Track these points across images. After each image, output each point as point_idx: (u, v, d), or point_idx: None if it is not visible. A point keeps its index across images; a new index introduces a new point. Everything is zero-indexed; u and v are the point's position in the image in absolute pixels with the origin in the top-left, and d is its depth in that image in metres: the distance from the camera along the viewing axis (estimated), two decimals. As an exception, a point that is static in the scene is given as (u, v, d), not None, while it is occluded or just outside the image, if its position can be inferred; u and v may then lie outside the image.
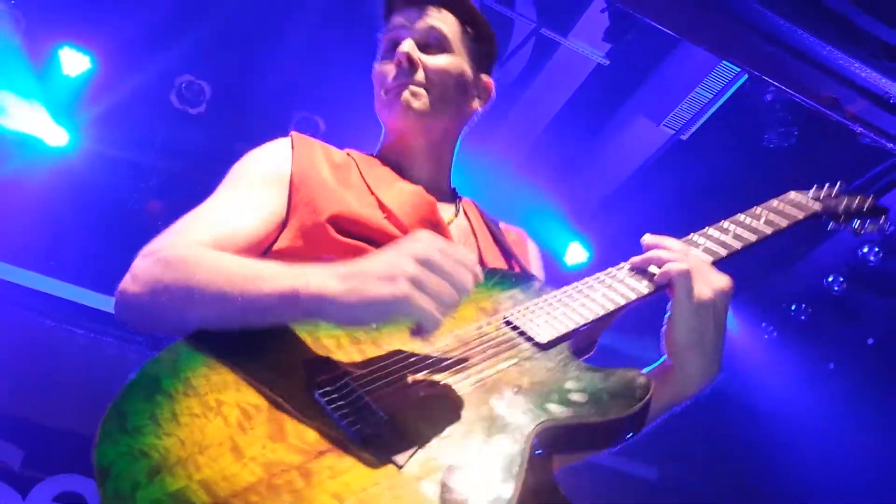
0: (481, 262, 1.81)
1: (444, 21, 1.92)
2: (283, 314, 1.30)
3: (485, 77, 2.01)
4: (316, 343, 1.33)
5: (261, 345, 1.30)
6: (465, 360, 1.35)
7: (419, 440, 1.19)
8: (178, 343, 1.30)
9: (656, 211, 5.64)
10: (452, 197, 1.99)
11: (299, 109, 5.86)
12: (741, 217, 1.75)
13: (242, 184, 1.70)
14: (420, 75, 1.86)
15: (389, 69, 1.89)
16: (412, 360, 1.33)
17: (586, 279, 1.60)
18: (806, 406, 6.56)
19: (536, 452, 1.22)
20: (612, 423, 1.27)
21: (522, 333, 1.44)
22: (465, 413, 1.24)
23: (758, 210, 1.78)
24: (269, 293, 1.28)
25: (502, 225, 2.04)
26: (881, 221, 1.94)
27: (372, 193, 1.75)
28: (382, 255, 1.27)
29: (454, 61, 1.90)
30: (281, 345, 1.32)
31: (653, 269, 1.57)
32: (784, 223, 1.76)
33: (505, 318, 1.48)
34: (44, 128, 5.60)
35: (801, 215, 1.80)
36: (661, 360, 1.60)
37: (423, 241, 1.28)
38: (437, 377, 1.30)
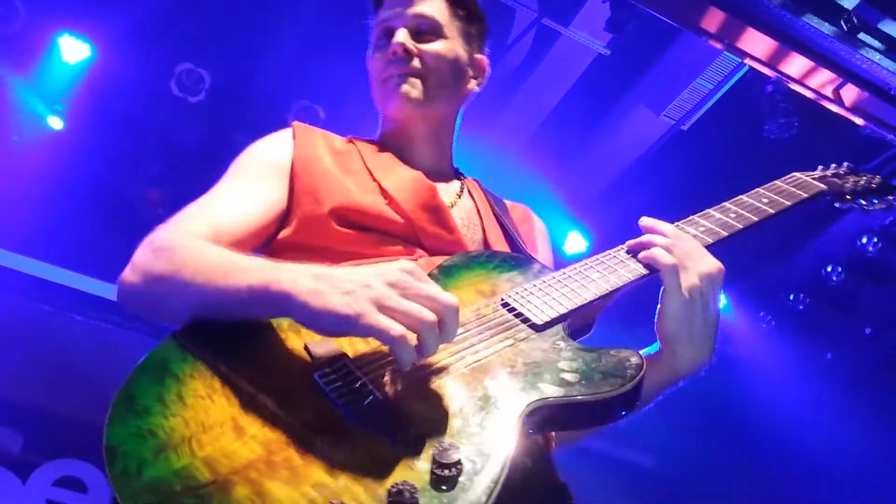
0: (485, 242, 1.83)
1: (434, 6, 1.92)
2: (256, 308, 1.31)
3: (479, 56, 2.02)
4: None
5: (264, 329, 1.34)
6: (461, 341, 1.37)
7: (413, 420, 1.21)
8: (185, 328, 1.34)
9: (656, 201, 5.64)
10: (456, 177, 2.00)
11: (299, 98, 5.85)
12: (744, 198, 1.75)
13: (243, 176, 1.72)
14: (416, 63, 1.87)
15: (384, 59, 1.89)
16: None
17: (584, 261, 1.61)
18: (802, 395, 6.58)
19: (528, 432, 1.24)
20: (603, 401, 1.28)
21: (519, 315, 1.45)
22: (459, 394, 1.26)
23: (761, 191, 1.78)
24: (242, 287, 1.30)
25: (507, 203, 2.05)
26: (892, 199, 1.93)
27: (374, 179, 1.76)
28: (358, 270, 1.29)
29: (448, 46, 1.91)
30: (282, 329, 1.34)
31: (644, 256, 1.58)
32: (788, 203, 1.75)
33: (502, 301, 1.49)
34: (43, 115, 5.59)
35: (805, 195, 1.80)
36: (655, 345, 1.62)
37: (400, 266, 1.28)
38: (433, 359, 1.31)
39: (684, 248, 1.56)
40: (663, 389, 1.62)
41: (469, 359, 1.34)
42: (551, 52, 5.72)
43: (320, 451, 1.15)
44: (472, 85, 2.00)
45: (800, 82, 4.43)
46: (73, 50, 5.46)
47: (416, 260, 1.61)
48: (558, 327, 1.44)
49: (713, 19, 4.24)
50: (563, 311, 1.46)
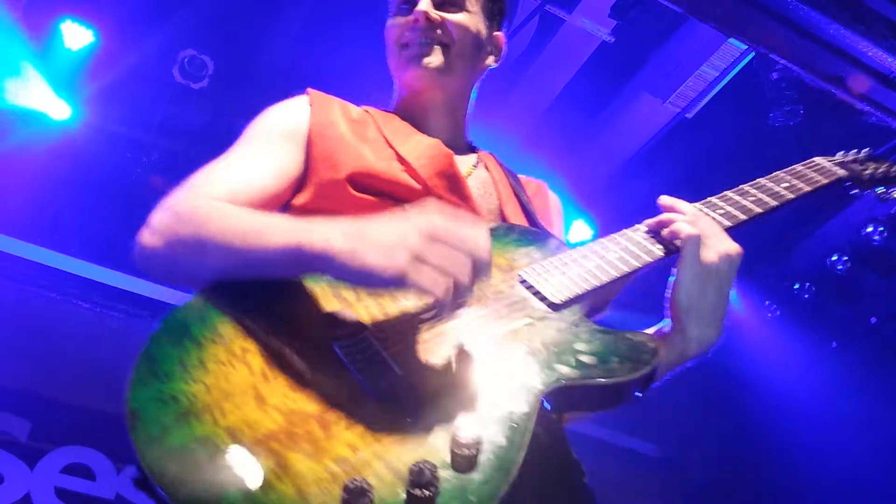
0: (501, 214, 1.82)
1: None
2: (288, 268, 1.30)
3: (497, 33, 2.02)
4: (337, 295, 1.35)
5: (284, 295, 1.33)
6: (479, 317, 1.37)
7: (431, 395, 1.21)
8: (204, 291, 1.32)
9: (661, 189, 5.58)
10: (470, 150, 1.99)
11: (302, 84, 5.83)
12: (763, 181, 1.73)
13: (259, 140, 1.70)
14: (438, 33, 1.86)
15: (406, 25, 1.88)
16: (428, 316, 1.35)
17: (601, 239, 1.60)
18: (808, 384, 6.58)
19: (546, 408, 1.24)
20: (618, 385, 1.29)
21: (537, 293, 1.45)
22: (477, 370, 1.26)
23: (780, 174, 1.76)
24: (274, 247, 1.28)
25: (522, 177, 2.04)
26: None
27: (390, 146, 1.74)
28: (389, 223, 1.25)
29: (470, 19, 1.90)
30: (303, 296, 1.34)
31: (666, 232, 1.57)
32: (808, 188, 1.74)
33: (520, 277, 1.49)
34: (46, 102, 5.58)
35: (825, 180, 1.78)
36: (663, 322, 1.60)
37: (431, 214, 1.25)
38: (451, 335, 1.32)
39: (704, 226, 1.55)
40: (670, 369, 1.60)
41: (488, 336, 1.34)
42: (555, 39, 5.69)
43: (340, 424, 1.14)
44: (490, 61, 2.00)
45: (805, 70, 4.41)
46: (76, 36, 5.45)
47: None
48: (575, 307, 1.44)
49: (718, 5, 4.22)
50: (581, 291, 1.46)
